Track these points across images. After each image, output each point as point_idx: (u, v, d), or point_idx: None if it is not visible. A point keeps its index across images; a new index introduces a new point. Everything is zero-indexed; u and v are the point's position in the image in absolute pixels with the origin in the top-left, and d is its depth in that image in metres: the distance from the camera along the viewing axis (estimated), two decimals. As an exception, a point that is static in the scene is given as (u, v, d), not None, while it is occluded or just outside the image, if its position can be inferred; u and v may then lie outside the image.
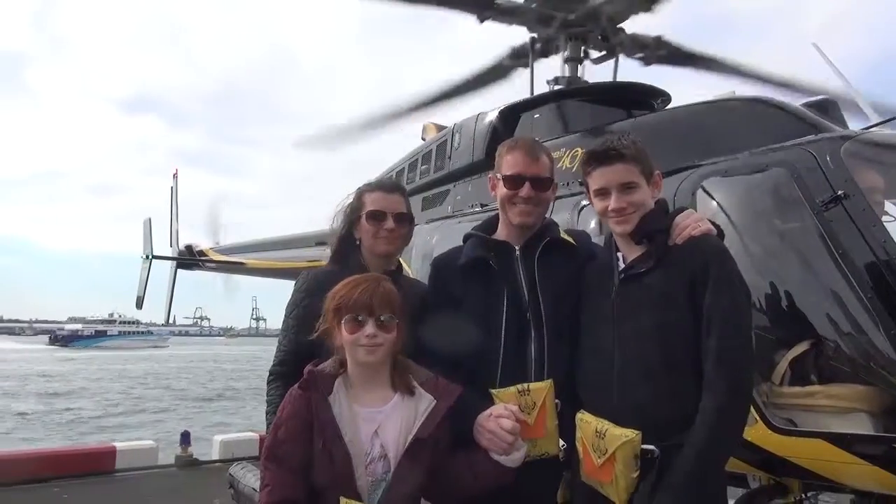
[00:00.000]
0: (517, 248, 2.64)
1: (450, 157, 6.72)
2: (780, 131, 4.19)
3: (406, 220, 2.87)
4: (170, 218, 14.11)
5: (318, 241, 10.96)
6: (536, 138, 5.65)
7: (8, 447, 13.07)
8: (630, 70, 6.71)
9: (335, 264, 2.87)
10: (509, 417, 2.21)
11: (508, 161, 2.67)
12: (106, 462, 8.58)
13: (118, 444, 9.05)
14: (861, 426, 3.25)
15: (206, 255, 13.02)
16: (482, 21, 6.26)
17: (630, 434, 2.23)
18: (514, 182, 2.62)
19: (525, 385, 2.40)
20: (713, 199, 3.98)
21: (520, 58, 6.73)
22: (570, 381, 2.45)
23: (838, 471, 3.44)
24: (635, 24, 6.38)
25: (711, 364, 2.18)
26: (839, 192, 3.39)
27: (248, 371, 43.80)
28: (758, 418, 3.47)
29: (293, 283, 3.00)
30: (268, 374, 2.78)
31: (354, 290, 2.23)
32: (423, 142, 7.71)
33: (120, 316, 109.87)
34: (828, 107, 4.49)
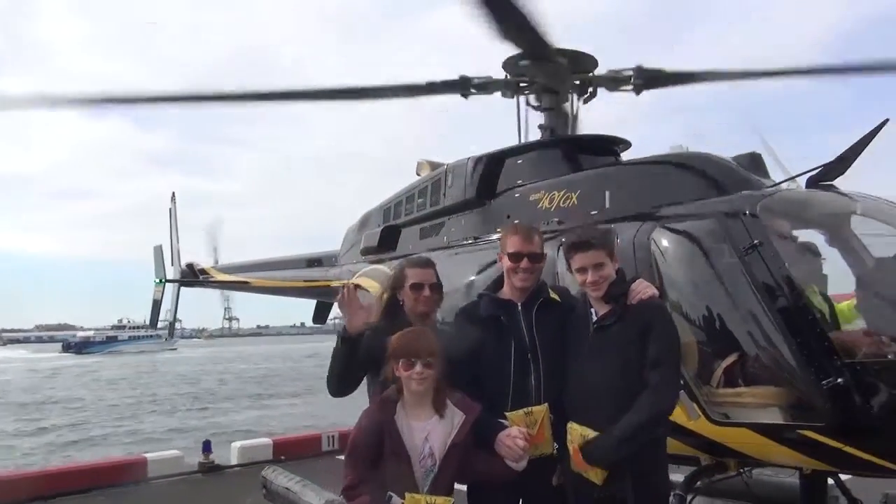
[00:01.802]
0: (519, 304, 3.69)
1: (444, 194, 7.70)
2: (717, 184, 5.28)
3: (438, 289, 3.90)
4: (170, 239, 14.95)
5: (309, 261, 12.00)
6: (519, 181, 6.73)
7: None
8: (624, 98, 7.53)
9: (386, 319, 3.90)
10: (523, 438, 3.26)
11: (511, 242, 3.72)
12: (138, 472, 9.53)
13: (148, 455, 10.00)
14: (775, 417, 4.36)
15: (207, 273, 13.90)
16: (466, 97, 7.29)
17: None
18: (516, 258, 3.66)
19: (529, 409, 3.45)
20: (664, 242, 5.03)
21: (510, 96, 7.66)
22: (560, 403, 3.51)
23: (761, 451, 4.54)
24: (611, 61, 7.29)
25: (649, 390, 3.30)
26: (756, 241, 4.49)
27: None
28: (700, 413, 4.56)
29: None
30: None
31: (407, 340, 3.27)
32: (418, 177, 8.68)
33: (129, 322, 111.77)
34: (755, 159, 5.58)
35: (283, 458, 10.37)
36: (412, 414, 3.19)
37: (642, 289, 3.51)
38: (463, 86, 7.37)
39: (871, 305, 4.55)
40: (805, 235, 5.11)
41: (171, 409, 31.73)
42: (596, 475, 3.34)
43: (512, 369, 3.53)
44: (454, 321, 3.91)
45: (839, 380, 3.97)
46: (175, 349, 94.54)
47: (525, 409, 3.45)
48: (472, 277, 6.43)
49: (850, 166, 4.83)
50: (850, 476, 5.17)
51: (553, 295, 3.78)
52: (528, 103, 7.44)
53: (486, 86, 7.34)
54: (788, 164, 5.43)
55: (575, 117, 7.32)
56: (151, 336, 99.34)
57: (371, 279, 8.81)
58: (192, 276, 14.06)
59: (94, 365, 65.50)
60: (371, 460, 3.14)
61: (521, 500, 3.55)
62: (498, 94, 7.49)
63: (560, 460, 3.51)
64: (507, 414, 3.44)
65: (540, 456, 3.44)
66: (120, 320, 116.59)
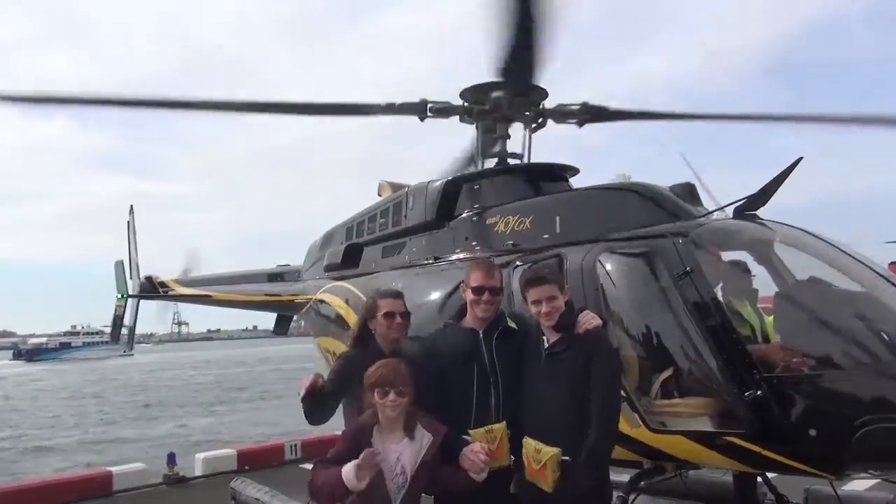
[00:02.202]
0: (481, 332, 4.15)
1: (405, 216, 8.10)
2: (657, 212, 5.83)
3: (407, 317, 4.33)
4: (128, 252, 14.93)
5: (270, 276, 12.27)
6: (476, 205, 7.18)
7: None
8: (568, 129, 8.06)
9: (357, 347, 4.32)
10: (485, 453, 3.70)
11: (474, 277, 4.17)
12: (104, 485, 9.68)
13: (113, 469, 10.14)
14: (705, 425, 4.90)
15: (167, 287, 13.99)
16: (423, 120, 7.68)
17: (555, 450, 3.77)
18: (478, 291, 4.12)
19: (490, 426, 3.91)
20: (609, 266, 5.54)
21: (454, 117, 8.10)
22: (516, 421, 3.97)
23: (694, 456, 5.08)
24: (561, 95, 7.80)
25: (596, 408, 3.79)
26: (688, 268, 5.04)
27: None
28: (641, 422, 5.09)
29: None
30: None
31: (382, 372, 3.68)
32: (379, 198, 9.07)
33: (84, 327, 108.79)
34: (690, 188, 6.17)
35: (247, 467, 10.61)
36: (386, 436, 3.61)
37: (587, 320, 4.00)
38: (421, 109, 7.76)
39: (786, 325, 5.15)
40: (737, 261, 5.71)
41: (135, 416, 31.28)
42: (546, 484, 3.81)
43: (475, 391, 3.98)
44: (423, 347, 4.33)
45: (758, 392, 4.52)
46: (132, 354, 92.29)
47: (486, 427, 3.90)
48: (434, 295, 6.85)
49: (770, 198, 5.43)
50: (776, 474, 5.76)
51: (511, 323, 4.25)
52: (484, 129, 7.88)
53: (443, 111, 7.74)
54: (716, 193, 6.08)
55: (528, 144, 7.83)
56: (107, 342, 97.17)
57: (334, 296, 9.24)
58: (152, 289, 14.10)
59: (43, 373, 63.90)
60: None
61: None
62: (455, 119, 7.91)
63: (516, 471, 3.97)
64: (470, 431, 3.88)
65: (499, 468, 3.89)
66: (74, 326, 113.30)
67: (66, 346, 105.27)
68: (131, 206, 15.44)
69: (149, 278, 14.35)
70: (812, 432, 4.41)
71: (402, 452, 3.60)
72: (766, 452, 4.62)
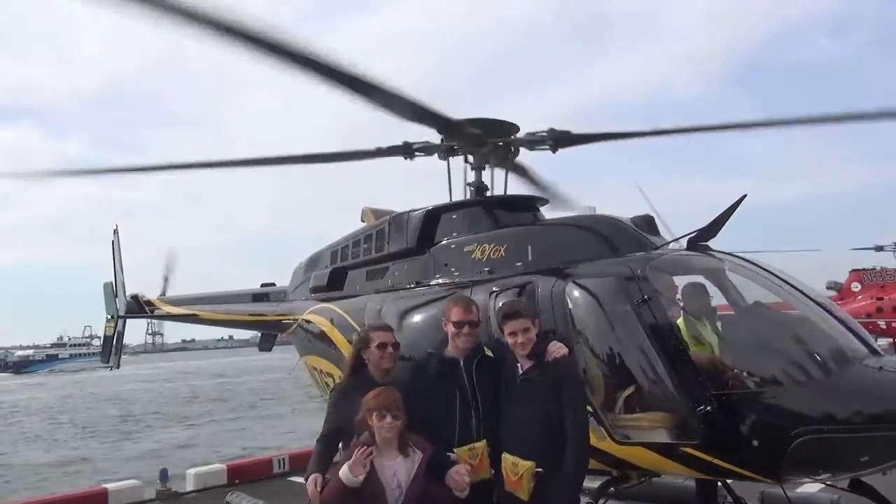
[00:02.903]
0: (461, 361, 4.68)
1: (388, 242, 8.60)
2: (620, 243, 6.42)
3: (397, 347, 4.85)
4: (113, 272, 15.19)
5: (254, 295, 12.73)
6: (455, 233, 7.71)
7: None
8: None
9: (352, 376, 4.83)
10: (467, 473, 4.23)
11: (455, 312, 4.70)
12: (100, 501, 10.04)
13: (108, 486, 10.50)
14: (663, 437, 5.49)
15: (154, 305, 14.32)
16: (407, 159, 8.22)
17: (529, 463, 4.31)
18: (459, 325, 4.65)
19: (472, 444, 4.43)
20: (576, 293, 6.09)
21: (434, 155, 8.65)
22: (495, 438, 4.50)
23: (654, 465, 5.67)
24: (530, 124, 8.34)
25: (570, 431, 4.33)
26: (646, 296, 5.62)
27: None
28: (607, 435, 5.66)
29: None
30: (318, 435, 4.72)
31: (379, 398, 4.19)
32: (362, 223, 9.57)
33: (70, 339, 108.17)
34: (649, 220, 6.76)
35: (237, 482, 11.01)
36: (384, 455, 4.12)
37: (556, 349, 4.56)
38: (406, 150, 8.28)
39: (733, 347, 5.77)
40: (689, 287, 6.31)
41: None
42: (523, 493, 4.35)
43: (458, 413, 4.51)
44: (410, 375, 4.84)
45: (709, 407, 5.12)
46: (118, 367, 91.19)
47: (469, 446, 4.43)
48: (416, 318, 7.35)
49: (719, 231, 6.04)
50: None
51: (488, 352, 4.79)
52: (464, 161, 8.43)
53: (425, 149, 8.25)
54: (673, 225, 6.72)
55: (506, 175, 8.39)
56: (95, 353, 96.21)
57: (320, 316, 9.72)
58: (139, 308, 14.38)
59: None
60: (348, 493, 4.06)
61: None
62: (436, 156, 8.45)
63: (496, 483, 4.52)
64: (454, 450, 4.41)
65: (480, 480, 4.42)
66: (60, 337, 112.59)
67: (53, 359, 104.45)
68: (115, 227, 15.65)
69: (135, 297, 14.59)
70: (755, 442, 5.02)
71: (397, 469, 4.11)
72: (716, 461, 5.21)
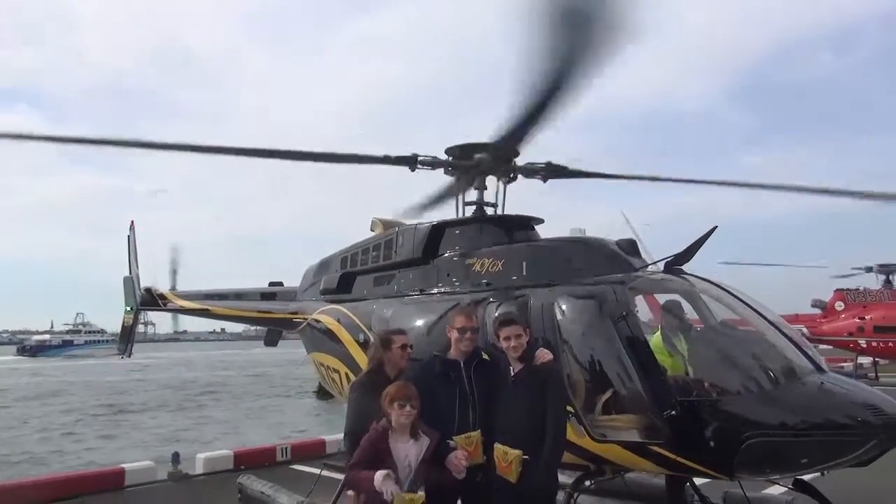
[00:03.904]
0: (462, 363, 5.47)
1: (395, 252, 9.37)
2: (605, 263, 7.21)
3: (411, 348, 5.65)
4: (128, 265, 15.96)
5: (262, 294, 13.53)
6: (457, 247, 8.48)
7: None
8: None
9: (371, 374, 5.62)
10: (465, 458, 5.02)
11: (458, 320, 5.50)
12: (118, 480, 10.82)
13: (125, 465, 11.29)
14: (635, 437, 6.28)
15: (167, 299, 15.11)
16: (413, 170, 8.81)
17: (518, 452, 5.11)
18: (462, 331, 5.45)
19: (469, 434, 5.22)
20: (565, 307, 6.88)
21: (439, 170, 9.35)
22: (488, 429, 5.28)
23: (626, 461, 6.45)
24: (528, 155, 9.09)
25: (550, 425, 5.13)
26: (624, 312, 6.42)
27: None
28: (586, 433, 6.44)
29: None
30: (343, 431, 5.49)
31: (401, 391, 4.97)
32: (372, 233, 10.35)
33: (85, 325, 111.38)
34: (632, 244, 7.56)
35: (242, 467, 11.77)
36: (398, 438, 4.90)
37: (543, 355, 5.38)
38: (412, 161, 8.94)
39: (697, 359, 6.57)
40: (663, 306, 7.13)
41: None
42: (512, 476, 5.15)
43: (457, 407, 5.31)
44: (419, 373, 5.61)
45: (674, 411, 5.92)
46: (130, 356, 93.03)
47: (466, 434, 5.23)
48: (420, 322, 8.12)
49: (693, 256, 6.86)
50: (705, 480, 7.08)
51: (485, 355, 5.60)
52: (465, 181, 9.18)
53: (430, 163, 8.95)
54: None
55: (503, 195, 9.17)
56: (108, 340, 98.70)
57: (329, 316, 10.52)
58: (152, 301, 15.15)
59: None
60: (368, 466, 4.84)
61: (461, 493, 5.31)
62: (441, 171, 9.18)
63: (488, 467, 5.31)
64: (454, 437, 5.21)
65: (475, 465, 5.22)
66: (76, 325, 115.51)
67: (68, 344, 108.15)
68: (132, 222, 16.44)
69: (148, 290, 15.35)
70: (711, 443, 5.81)
71: (409, 451, 4.88)
72: (680, 459, 6.00)
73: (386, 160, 8.86)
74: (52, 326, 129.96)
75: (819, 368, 6.09)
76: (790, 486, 6.62)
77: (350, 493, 5.00)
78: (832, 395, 5.73)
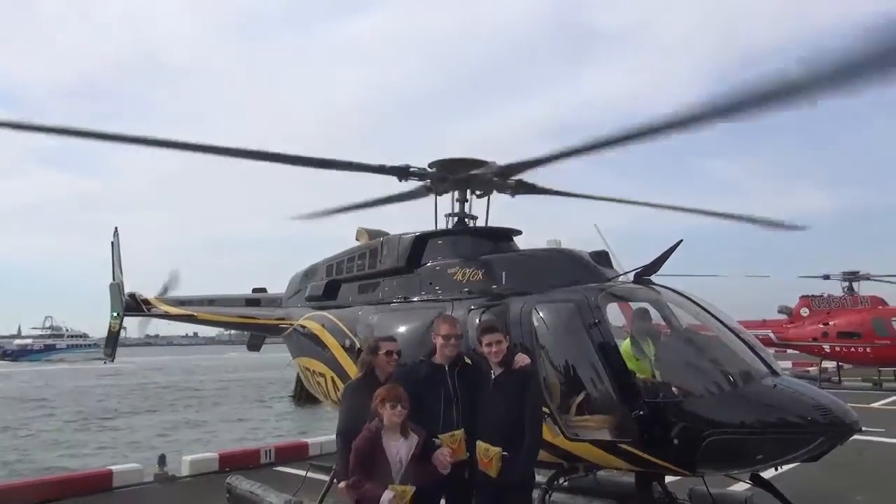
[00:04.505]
0: (446, 367, 5.91)
1: (380, 261, 9.76)
2: (578, 273, 7.70)
3: (400, 354, 6.07)
4: (112, 271, 16.10)
5: (246, 300, 13.85)
6: (439, 257, 8.92)
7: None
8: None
9: (362, 377, 6.04)
10: (450, 455, 5.46)
11: (443, 327, 5.93)
12: (105, 482, 11.07)
13: (113, 467, 11.53)
14: (606, 436, 6.75)
15: (151, 304, 15.32)
16: (401, 181, 9.24)
17: (498, 449, 5.56)
18: (446, 338, 5.88)
19: (453, 432, 5.65)
20: (541, 313, 7.35)
21: (428, 192, 9.77)
22: (471, 428, 5.72)
23: (597, 458, 6.91)
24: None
25: (528, 425, 5.59)
26: (597, 319, 6.91)
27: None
28: (560, 432, 6.91)
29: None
30: (336, 431, 5.90)
31: (390, 391, 5.38)
32: (357, 242, 10.75)
33: (68, 330, 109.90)
34: (604, 255, 8.07)
35: (227, 469, 12.06)
36: (390, 437, 5.32)
37: (521, 359, 5.84)
38: (403, 172, 9.24)
39: (662, 363, 7.08)
40: (632, 314, 7.64)
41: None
42: (493, 472, 5.60)
43: (442, 408, 5.74)
44: (408, 376, 6.03)
45: (642, 412, 6.41)
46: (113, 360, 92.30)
47: (450, 433, 5.66)
48: (403, 328, 8.53)
49: (660, 268, 7.37)
50: (674, 478, 7.55)
51: (467, 360, 6.05)
52: (449, 194, 9.64)
53: (419, 175, 9.29)
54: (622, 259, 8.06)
55: (487, 207, 9.65)
56: (90, 345, 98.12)
57: (315, 322, 10.89)
58: (136, 307, 15.33)
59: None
60: (364, 465, 5.25)
61: (446, 486, 5.74)
62: (426, 183, 9.61)
63: (470, 462, 5.75)
64: (439, 436, 5.64)
65: (459, 461, 5.66)
66: (58, 328, 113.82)
67: (50, 348, 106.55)
68: (115, 229, 16.58)
69: (132, 295, 15.47)
70: (676, 441, 6.31)
71: (400, 448, 5.30)
72: (647, 456, 6.49)
73: (379, 169, 9.21)
74: (19, 331, 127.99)
75: (773, 372, 6.63)
76: (748, 481, 7.14)
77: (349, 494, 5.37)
78: (784, 397, 6.27)
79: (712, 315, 7.17)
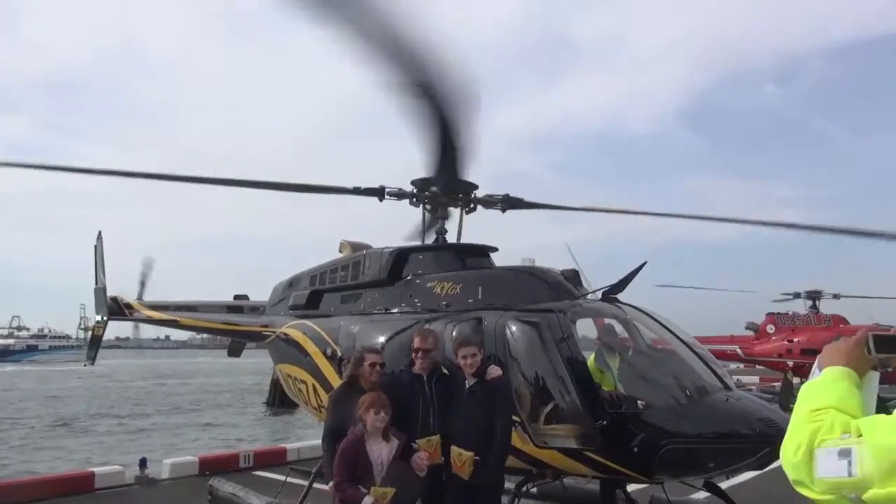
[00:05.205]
0: (424, 376, 6.37)
1: (363, 273, 10.16)
2: (550, 291, 8.20)
3: (384, 365, 6.51)
4: (95, 275, 16.29)
5: (228, 307, 14.18)
6: (420, 271, 9.39)
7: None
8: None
9: (347, 385, 6.47)
10: (427, 459, 5.91)
11: (416, 341, 6.41)
12: (88, 484, 11.32)
13: (95, 469, 11.78)
14: (572, 444, 7.24)
15: (133, 308, 15.54)
16: (381, 200, 9.69)
17: (470, 454, 6.04)
18: (416, 351, 6.36)
19: (429, 438, 6.12)
20: (514, 328, 7.82)
21: (404, 200, 10.26)
22: (446, 433, 6.19)
23: (565, 465, 7.38)
24: (487, 187, 10.06)
25: (498, 432, 6.08)
26: (566, 335, 7.41)
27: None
28: (529, 440, 7.37)
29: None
30: (322, 435, 6.33)
31: (374, 398, 5.82)
32: (340, 254, 11.15)
33: (50, 331, 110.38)
34: (575, 274, 8.59)
35: (206, 473, 12.35)
36: (372, 440, 5.77)
37: (493, 371, 6.33)
38: (380, 192, 9.83)
39: (625, 377, 7.60)
40: (598, 330, 8.17)
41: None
42: (465, 475, 6.06)
43: (420, 415, 6.21)
44: (389, 385, 6.47)
45: (605, 422, 6.91)
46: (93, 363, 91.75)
47: (427, 438, 6.13)
48: (382, 338, 8.96)
49: (626, 287, 7.90)
50: (637, 486, 8.05)
51: (444, 371, 6.52)
52: (428, 211, 10.11)
53: (396, 195, 9.83)
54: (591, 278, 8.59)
55: (460, 224, 10.12)
56: (73, 346, 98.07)
57: (297, 331, 11.27)
58: (119, 311, 15.52)
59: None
60: (348, 467, 5.69)
61: (423, 487, 6.19)
62: (406, 202, 10.08)
63: (445, 466, 6.21)
64: (417, 441, 6.10)
65: (434, 464, 6.12)
66: (41, 329, 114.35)
67: (32, 349, 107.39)
68: (99, 232, 16.78)
69: (115, 299, 15.63)
70: (635, 449, 6.81)
71: (381, 451, 5.75)
72: (609, 463, 6.97)
73: (355, 191, 9.73)
74: (41, 331, 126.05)
75: (726, 386, 7.18)
76: (702, 488, 7.67)
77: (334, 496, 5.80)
78: (735, 410, 6.82)
79: (672, 332, 7.72)
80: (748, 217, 10.71)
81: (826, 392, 1.94)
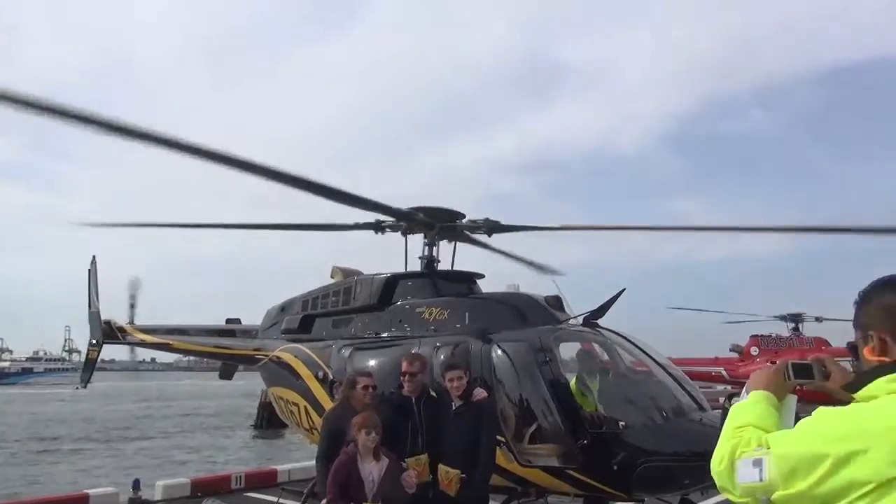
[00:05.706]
0: (413, 398, 6.71)
1: (354, 298, 10.52)
2: (534, 316, 8.58)
3: (376, 388, 6.84)
4: (88, 299, 16.53)
5: (220, 331, 14.41)
6: (409, 297, 9.75)
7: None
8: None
9: (340, 407, 6.80)
10: (416, 477, 6.23)
11: (403, 365, 6.77)
12: (83, 505, 11.51)
13: (90, 491, 11.94)
14: (555, 462, 7.58)
15: (126, 332, 15.75)
16: (377, 233, 10.17)
17: (457, 472, 6.38)
18: (403, 375, 6.71)
19: (418, 457, 6.46)
20: (499, 352, 8.19)
21: (398, 232, 10.64)
22: (434, 453, 6.53)
23: (548, 484, 7.71)
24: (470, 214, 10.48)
25: (483, 451, 6.42)
26: (548, 358, 7.78)
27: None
28: (514, 459, 7.71)
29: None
30: (316, 455, 6.64)
31: (366, 419, 6.15)
32: (332, 279, 11.50)
33: (46, 353, 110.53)
34: (558, 300, 8.98)
35: (199, 494, 12.54)
36: (364, 459, 6.09)
37: (479, 393, 6.69)
38: (377, 226, 10.22)
39: (605, 398, 7.97)
40: (580, 354, 8.55)
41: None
42: (452, 492, 6.39)
43: (409, 435, 6.55)
44: (379, 406, 6.81)
45: (586, 441, 7.26)
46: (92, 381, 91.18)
47: (416, 457, 6.46)
48: (372, 362, 9.30)
49: (606, 313, 8.30)
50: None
51: (432, 393, 6.86)
52: (419, 240, 10.51)
53: (391, 226, 10.19)
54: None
55: (454, 252, 10.53)
56: (68, 369, 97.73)
57: (290, 354, 11.58)
58: (111, 334, 15.76)
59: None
60: (341, 485, 6.00)
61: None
62: (399, 233, 10.47)
63: (433, 483, 6.53)
64: (407, 459, 6.42)
65: (423, 482, 6.45)
66: (36, 352, 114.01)
67: (28, 372, 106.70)
68: (93, 257, 17.02)
69: (108, 322, 15.89)
70: (615, 467, 7.16)
71: (372, 470, 6.07)
72: (590, 481, 7.32)
73: (355, 227, 10.20)
74: (36, 353, 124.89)
75: (700, 407, 7.56)
76: None
77: None
78: (709, 429, 7.17)
79: (649, 356, 8.11)
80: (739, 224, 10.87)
81: (748, 412, 2.31)
